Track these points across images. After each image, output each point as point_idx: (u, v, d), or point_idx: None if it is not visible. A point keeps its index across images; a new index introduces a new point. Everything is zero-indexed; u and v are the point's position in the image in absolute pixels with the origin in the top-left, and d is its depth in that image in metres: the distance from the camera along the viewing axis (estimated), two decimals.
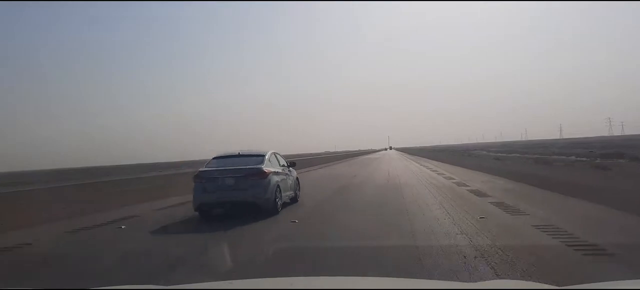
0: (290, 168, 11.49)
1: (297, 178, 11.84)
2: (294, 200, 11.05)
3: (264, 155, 9.96)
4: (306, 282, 2.35)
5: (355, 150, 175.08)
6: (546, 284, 3.02)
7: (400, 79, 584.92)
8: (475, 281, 4.08)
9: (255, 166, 9.42)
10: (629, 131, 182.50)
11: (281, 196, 9.75)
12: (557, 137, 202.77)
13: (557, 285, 2.07)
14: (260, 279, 2.84)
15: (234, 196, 9.05)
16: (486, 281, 3.76)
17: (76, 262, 6.20)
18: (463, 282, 4.02)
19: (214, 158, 10.15)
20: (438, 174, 20.65)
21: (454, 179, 17.09)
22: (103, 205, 11.92)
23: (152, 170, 40.84)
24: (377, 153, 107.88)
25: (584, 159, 21.89)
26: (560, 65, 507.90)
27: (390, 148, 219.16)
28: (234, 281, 2.90)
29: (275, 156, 10.70)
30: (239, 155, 10.06)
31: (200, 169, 9.71)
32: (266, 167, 9.55)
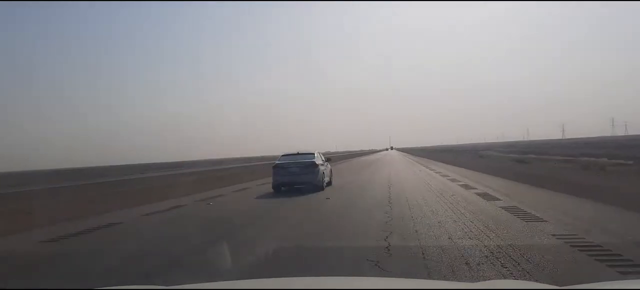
0: (327, 162, 16.39)
1: (331, 169, 16.81)
2: (329, 184, 15.82)
3: (314, 153, 15.31)
4: (306, 283, 2.37)
5: (357, 151, 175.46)
6: (547, 283, 3.03)
7: (402, 80, 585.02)
8: (476, 281, 4.09)
9: (310, 160, 14.61)
10: (632, 131, 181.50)
11: (324, 180, 14.84)
12: (559, 137, 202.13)
13: (557, 285, 2.09)
14: (260, 280, 2.85)
15: (298, 179, 14.23)
16: (486, 281, 3.77)
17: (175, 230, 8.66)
18: (463, 282, 4.04)
19: (282, 155, 15.52)
20: (466, 188, 13.53)
21: (498, 199, 10.41)
22: (149, 198, 14.16)
23: (161, 169, 44.44)
24: (378, 153, 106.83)
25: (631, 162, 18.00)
26: (562, 65, 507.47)
27: (392, 148, 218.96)
28: (235, 281, 2.91)
29: (319, 154, 15.97)
30: (298, 154, 15.34)
31: (276, 162, 15.09)
32: (316, 161, 14.70)
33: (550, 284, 2.85)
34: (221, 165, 52.06)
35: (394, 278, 3.43)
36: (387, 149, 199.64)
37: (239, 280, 3.06)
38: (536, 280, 4.13)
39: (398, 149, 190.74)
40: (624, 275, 4.67)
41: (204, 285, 2.34)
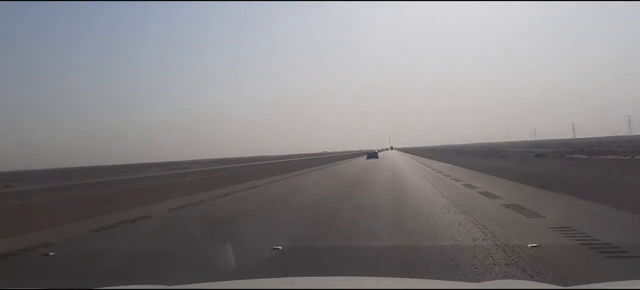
0: (378, 152, 73.23)
1: (378, 152, 71.67)
2: (377, 157, 58.70)
3: (375, 149, 76.27)
4: (307, 282, 2.41)
5: (356, 151, 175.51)
6: (548, 284, 3.10)
7: (403, 79, 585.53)
8: (477, 282, 4.17)
9: (375, 151, 66.55)
10: None
11: (378, 156, 60.83)
12: (570, 136, 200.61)
13: (560, 286, 2.15)
14: (260, 279, 2.91)
15: (372, 155, 60.10)
16: (487, 281, 3.85)
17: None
18: (464, 282, 4.11)
19: (366, 150, 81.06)
20: None
21: None
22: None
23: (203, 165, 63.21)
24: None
25: None
26: (571, 63, 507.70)
27: (392, 148, 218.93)
28: (234, 281, 2.97)
29: (376, 149, 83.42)
30: (370, 149, 77.71)
31: (367, 151, 72.69)
32: (376, 151, 69.79)
33: (552, 284, 2.91)
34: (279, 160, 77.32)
35: (394, 278, 3.51)
36: (387, 149, 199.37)
37: (239, 281, 3.13)
38: (539, 280, 4.19)
39: (398, 149, 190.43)
40: None
41: (204, 285, 2.39)
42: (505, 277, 4.09)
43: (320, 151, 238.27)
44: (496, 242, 5.87)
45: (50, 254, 6.57)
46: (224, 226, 8.80)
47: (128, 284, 2.47)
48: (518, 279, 4.18)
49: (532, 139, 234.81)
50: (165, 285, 2.18)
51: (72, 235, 8.42)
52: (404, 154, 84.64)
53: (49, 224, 9.53)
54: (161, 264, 5.73)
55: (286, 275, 2.97)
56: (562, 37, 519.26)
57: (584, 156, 30.67)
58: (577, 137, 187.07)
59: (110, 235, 8.32)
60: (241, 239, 7.22)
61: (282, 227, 8.44)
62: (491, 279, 4.24)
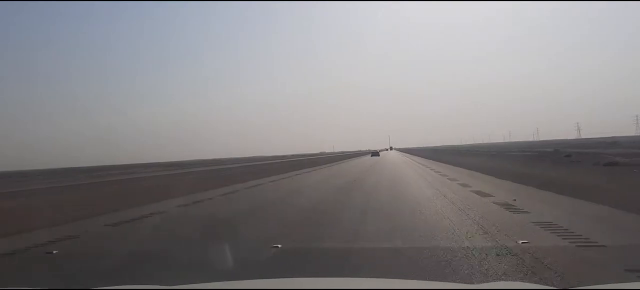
0: (379, 152, 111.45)
1: (380, 152, 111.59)
2: (378, 156, 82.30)
3: (377, 149, 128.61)
4: (306, 283, 2.43)
5: (355, 151, 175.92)
6: (547, 284, 3.16)
7: (403, 79, 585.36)
8: (476, 283, 4.23)
9: (376, 150, 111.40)
10: None
11: (379, 155, 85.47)
12: (574, 137, 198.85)
13: (559, 286, 2.21)
14: (260, 280, 2.97)
15: (375, 154, 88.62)
16: (487, 282, 3.91)
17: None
18: (464, 283, 4.17)
19: (368, 150, 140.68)
20: None
21: None
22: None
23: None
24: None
25: None
26: (572, 63, 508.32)
27: (391, 148, 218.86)
28: (235, 281, 3.03)
29: (377, 149, 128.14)
30: (372, 149, 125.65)
31: (371, 150, 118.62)
32: (379, 150, 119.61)
33: (551, 285, 2.99)
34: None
35: (393, 279, 3.58)
36: (387, 149, 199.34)
37: (239, 281, 3.18)
38: (537, 281, 4.25)
39: (398, 149, 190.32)
40: None
41: (204, 285, 2.42)
42: None
43: (318, 152, 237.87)
44: None
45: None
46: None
47: (128, 284, 2.51)
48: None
49: (535, 139, 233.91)
50: (165, 285, 2.23)
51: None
52: (406, 155, 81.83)
53: None
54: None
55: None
56: (563, 36, 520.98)
57: None
58: (582, 137, 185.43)
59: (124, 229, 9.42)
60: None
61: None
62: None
